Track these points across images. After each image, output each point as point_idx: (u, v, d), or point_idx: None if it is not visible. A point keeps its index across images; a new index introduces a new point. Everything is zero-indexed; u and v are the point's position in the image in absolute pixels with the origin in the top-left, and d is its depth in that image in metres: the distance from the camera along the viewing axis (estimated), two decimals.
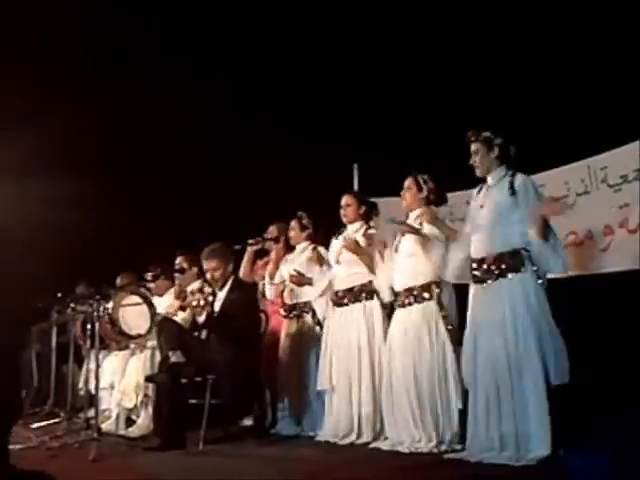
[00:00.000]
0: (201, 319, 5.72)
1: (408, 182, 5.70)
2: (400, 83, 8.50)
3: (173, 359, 5.53)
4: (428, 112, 7.92)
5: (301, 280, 6.27)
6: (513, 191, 4.84)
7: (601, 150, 6.62)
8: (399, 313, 5.49)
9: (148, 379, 5.79)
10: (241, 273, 6.77)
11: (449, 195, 6.06)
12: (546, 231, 4.78)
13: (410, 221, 5.54)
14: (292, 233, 6.61)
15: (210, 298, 5.80)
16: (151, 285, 7.00)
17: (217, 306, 5.93)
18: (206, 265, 6.03)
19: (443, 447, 5.04)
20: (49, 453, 5.26)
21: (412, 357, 5.27)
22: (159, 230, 8.89)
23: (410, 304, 5.40)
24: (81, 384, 7.02)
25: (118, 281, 7.26)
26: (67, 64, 8.19)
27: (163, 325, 5.84)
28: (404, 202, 5.70)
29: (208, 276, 5.98)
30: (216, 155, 9.23)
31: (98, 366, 5.76)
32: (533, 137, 6.88)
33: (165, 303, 6.84)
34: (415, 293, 5.38)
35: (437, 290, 5.34)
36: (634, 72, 6.35)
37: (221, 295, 5.97)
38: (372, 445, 5.38)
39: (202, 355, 5.54)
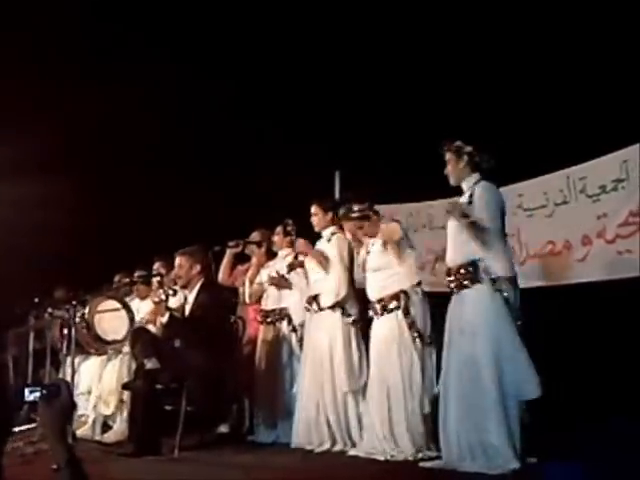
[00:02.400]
0: (164, 319, 5.68)
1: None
2: (383, 91, 8.53)
3: (149, 365, 5.51)
4: (408, 121, 7.96)
5: (281, 282, 6.33)
6: (471, 200, 4.85)
7: (580, 160, 6.67)
8: (374, 323, 5.53)
9: (124, 386, 5.76)
10: (220, 276, 6.77)
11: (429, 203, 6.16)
12: (483, 241, 4.74)
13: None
14: (276, 238, 6.63)
15: (169, 292, 5.79)
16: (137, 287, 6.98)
17: (187, 309, 5.95)
18: (176, 262, 6.09)
19: (419, 455, 5.06)
20: (22, 459, 5.20)
21: (383, 366, 5.33)
22: (141, 234, 8.85)
23: (381, 314, 5.44)
24: None
25: (116, 279, 7.21)
26: (51, 65, 8.17)
27: (137, 335, 5.82)
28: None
29: (174, 273, 6.05)
30: (199, 159, 9.22)
31: (74, 371, 5.72)
32: (513, 147, 6.91)
33: (146, 307, 6.79)
34: (384, 303, 5.44)
35: (405, 299, 5.37)
36: (614, 84, 6.40)
37: (190, 298, 5.98)
38: (350, 453, 5.38)
39: (176, 362, 5.52)
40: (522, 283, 6.91)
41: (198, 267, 6.02)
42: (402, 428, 5.18)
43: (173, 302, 6.13)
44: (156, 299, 5.79)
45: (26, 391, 2.45)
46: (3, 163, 8.15)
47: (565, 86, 6.86)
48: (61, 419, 2.42)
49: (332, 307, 5.81)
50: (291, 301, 6.29)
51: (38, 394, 2.46)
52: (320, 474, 4.76)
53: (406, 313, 5.35)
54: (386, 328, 5.39)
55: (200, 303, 5.83)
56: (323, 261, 5.85)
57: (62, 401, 2.46)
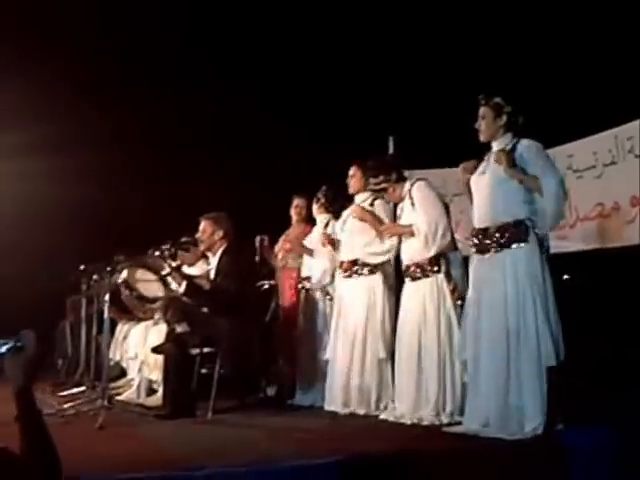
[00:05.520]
0: (181, 290, 5.78)
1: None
2: (436, 56, 8.46)
3: (179, 329, 5.63)
4: (461, 85, 7.84)
5: (301, 249, 6.51)
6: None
7: (628, 119, 6.48)
8: (408, 285, 5.47)
9: (154, 350, 5.90)
10: None
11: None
12: (539, 190, 4.58)
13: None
14: (313, 207, 6.67)
15: (172, 264, 5.89)
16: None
17: (212, 274, 6.05)
18: (200, 227, 6.20)
19: (445, 419, 5.04)
20: (62, 420, 5.40)
21: (418, 330, 5.27)
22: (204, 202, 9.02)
23: (418, 277, 5.37)
24: (110, 354, 7.15)
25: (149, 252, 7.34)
26: (96, 47, 8.40)
27: (169, 302, 5.95)
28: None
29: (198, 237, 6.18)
30: (257, 126, 9.31)
31: (100, 333, 5.97)
32: (561, 107, 6.77)
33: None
34: (423, 266, 5.36)
35: (444, 263, 5.30)
36: None
37: (213, 263, 6.08)
38: (380, 417, 5.39)
39: (205, 327, 5.63)
40: (573, 246, 6.85)
41: (220, 233, 6.08)
42: (431, 393, 5.16)
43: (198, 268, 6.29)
44: (164, 273, 5.93)
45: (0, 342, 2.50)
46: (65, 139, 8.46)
47: (614, 46, 6.68)
48: (23, 372, 2.47)
49: (373, 271, 5.80)
50: (317, 266, 6.35)
51: (6, 347, 2.50)
52: (341, 436, 4.77)
53: (448, 277, 5.30)
54: (424, 292, 5.32)
55: (221, 269, 5.90)
56: (378, 226, 5.80)
57: (26, 355, 2.51)
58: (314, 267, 6.38)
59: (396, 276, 5.81)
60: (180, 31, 8.82)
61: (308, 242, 6.60)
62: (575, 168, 7.02)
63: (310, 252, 6.40)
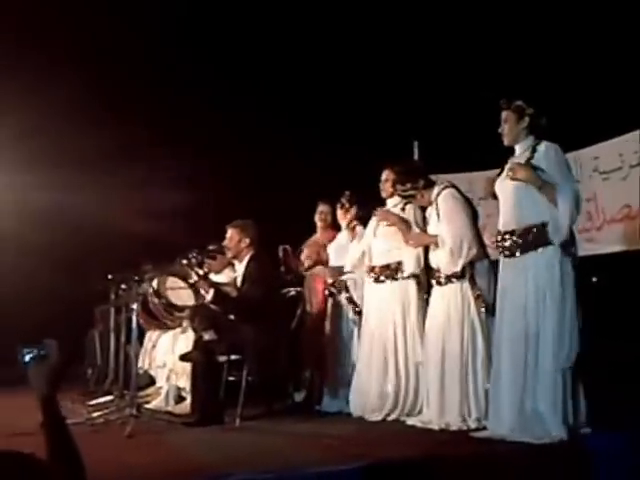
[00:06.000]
0: (208, 297, 5.81)
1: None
2: (459, 61, 8.45)
3: (206, 337, 5.66)
4: (485, 87, 7.84)
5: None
6: (529, 160, 4.69)
7: None
8: (435, 289, 5.47)
9: (182, 358, 5.94)
10: None
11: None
12: (554, 200, 4.56)
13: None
14: (337, 212, 6.66)
15: (199, 272, 5.92)
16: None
17: (239, 281, 6.10)
18: (227, 235, 6.24)
19: (472, 425, 5.02)
20: (92, 429, 5.45)
21: (442, 335, 5.27)
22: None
23: (444, 283, 5.37)
24: (139, 363, 7.20)
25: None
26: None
27: (197, 310, 6.00)
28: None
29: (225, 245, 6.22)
30: (281, 133, 9.35)
31: (129, 342, 6.03)
32: (586, 110, 6.75)
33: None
34: (447, 273, 5.35)
35: (469, 270, 5.29)
36: None
37: (240, 271, 6.12)
38: (408, 422, 5.37)
39: (232, 334, 5.66)
40: (600, 248, 6.81)
41: (247, 240, 6.12)
42: (456, 399, 5.14)
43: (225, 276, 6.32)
44: (191, 281, 5.97)
45: (24, 351, 2.54)
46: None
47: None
48: (47, 381, 2.52)
49: (408, 276, 5.78)
50: (347, 266, 6.33)
51: (31, 355, 2.55)
52: (368, 442, 4.78)
53: (473, 284, 5.29)
54: (449, 297, 5.32)
55: (248, 276, 5.95)
56: (405, 230, 5.80)
57: (50, 364, 2.55)
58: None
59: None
60: (204, 38, 8.90)
61: (334, 247, 6.62)
62: (601, 170, 6.98)
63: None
